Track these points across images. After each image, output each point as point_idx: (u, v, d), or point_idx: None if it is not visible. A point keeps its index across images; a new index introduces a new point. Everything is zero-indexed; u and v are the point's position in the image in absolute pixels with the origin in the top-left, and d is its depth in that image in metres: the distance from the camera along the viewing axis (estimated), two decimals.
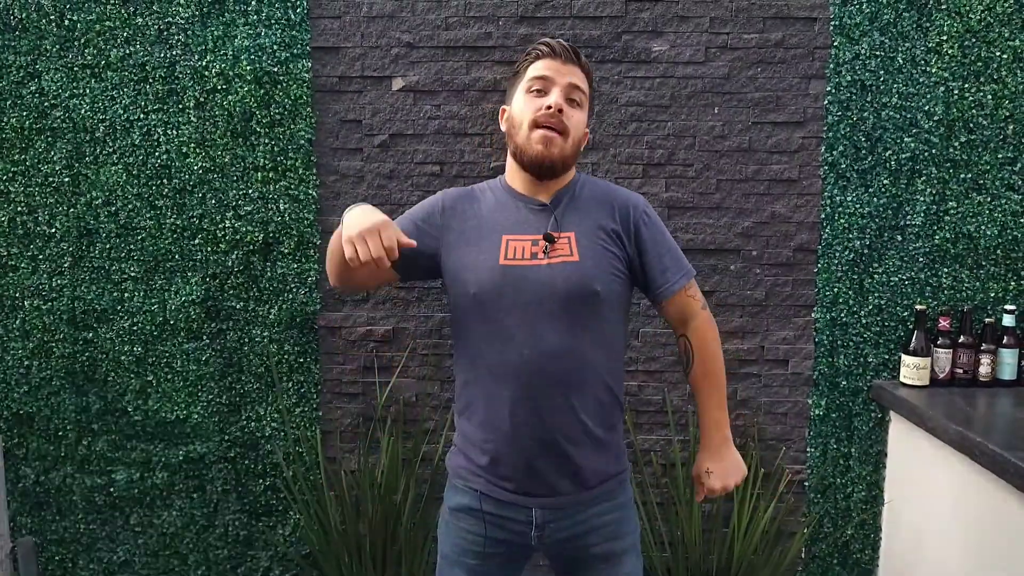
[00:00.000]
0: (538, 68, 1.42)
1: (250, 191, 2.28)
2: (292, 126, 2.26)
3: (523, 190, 1.47)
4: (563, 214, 1.44)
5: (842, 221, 2.25)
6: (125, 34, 2.23)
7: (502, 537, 1.43)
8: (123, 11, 2.22)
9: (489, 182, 1.54)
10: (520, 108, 1.43)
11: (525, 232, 1.41)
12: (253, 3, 2.21)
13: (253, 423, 2.35)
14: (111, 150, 2.26)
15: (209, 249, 2.29)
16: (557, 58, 1.42)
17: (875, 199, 2.24)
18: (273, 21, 2.22)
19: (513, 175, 1.49)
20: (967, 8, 2.16)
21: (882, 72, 2.20)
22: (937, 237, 2.24)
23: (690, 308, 1.51)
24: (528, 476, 1.39)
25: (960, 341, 2.19)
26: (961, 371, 2.19)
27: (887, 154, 2.22)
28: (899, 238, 2.25)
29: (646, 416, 2.35)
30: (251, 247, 2.29)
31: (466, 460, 1.45)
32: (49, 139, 2.26)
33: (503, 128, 1.50)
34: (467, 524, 1.44)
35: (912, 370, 2.19)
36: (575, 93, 1.42)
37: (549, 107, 1.38)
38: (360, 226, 1.23)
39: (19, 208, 2.28)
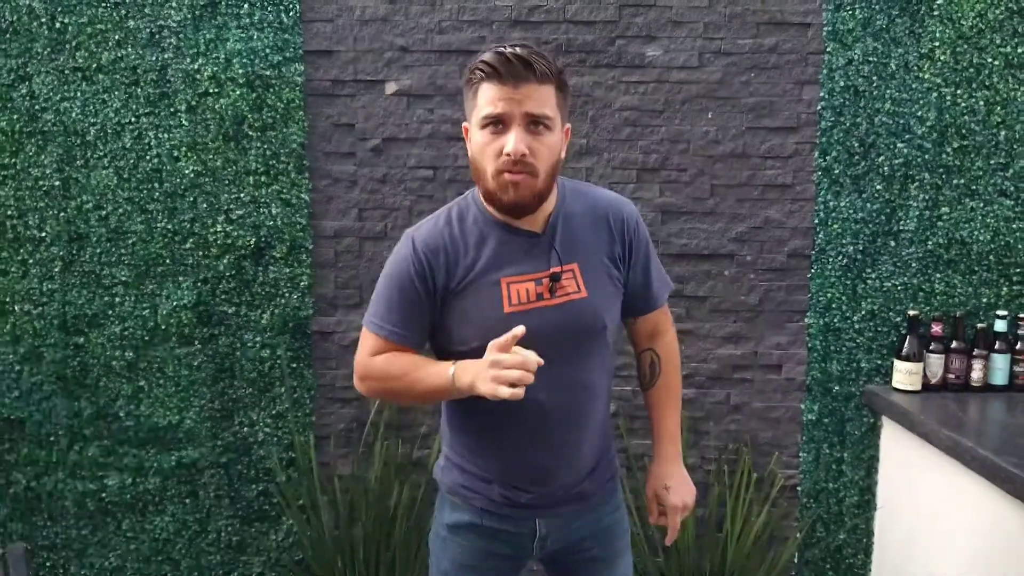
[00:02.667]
0: (489, 98, 1.20)
1: (242, 195, 2.27)
2: (284, 130, 2.25)
3: (509, 220, 1.29)
4: (561, 244, 1.30)
5: (835, 226, 2.26)
6: (116, 37, 2.21)
7: (504, 551, 1.41)
8: (115, 14, 2.20)
9: (461, 204, 1.35)
10: (480, 147, 1.23)
11: (524, 271, 1.28)
12: (245, 6, 2.20)
13: (246, 428, 2.34)
14: (102, 154, 2.25)
15: (201, 254, 2.28)
16: (507, 82, 1.18)
17: (868, 204, 2.24)
18: (265, 24, 2.21)
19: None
20: (959, 15, 2.17)
21: (875, 78, 2.20)
22: (930, 243, 2.24)
23: (664, 324, 1.50)
24: (535, 498, 1.37)
25: (952, 347, 2.20)
26: (953, 376, 2.20)
27: (880, 160, 2.23)
28: (892, 243, 2.25)
29: (639, 421, 2.35)
30: (243, 251, 2.28)
31: (463, 476, 1.40)
32: (40, 142, 2.25)
33: (468, 156, 1.29)
34: (467, 540, 1.41)
35: (904, 375, 2.19)
36: (537, 120, 1.21)
37: (509, 154, 1.19)
38: (488, 372, 1.14)
39: (9, 212, 2.27)
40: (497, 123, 1.21)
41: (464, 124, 1.31)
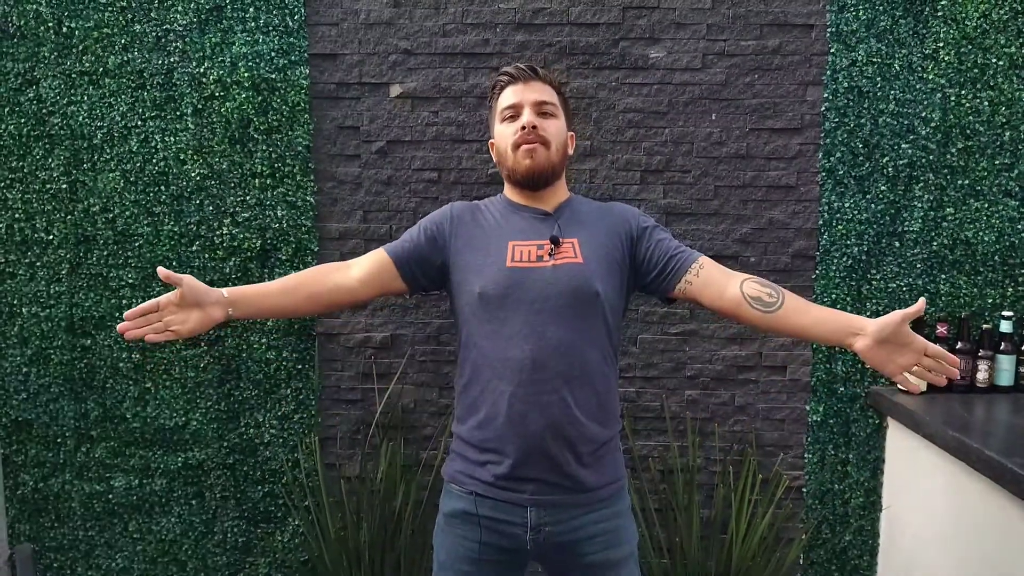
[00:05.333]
0: (506, 97, 1.54)
1: (248, 198, 2.28)
2: (290, 132, 2.26)
3: (525, 202, 1.57)
4: (566, 223, 1.53)
5: (840, 227, 2.26)
6: (123, 41, 2.23)
7: (497, 543, 1.44)
8: (121, 18, 2.22)
9: (491, 199, 1.63)
10: (501, 135, 1.55)
11: (530, 238, 1.49)
12: (251, 10, 2.21)
13: (252, 430, 2.35)
14: (109, 157, 2.26)
15: (207, 256, 2.29)
16: (519, 82, 1.53)
17: (873, 205, 2.24)
18: (271, 28, 2.22)
19: (513, 193, 1.59)
20: (963, 15, 2.17)
21: (879, 79, 2.20)
22: (935, 243, 2.24)
23: (722, 268, 1.47)
24: (523, 470, 1.41)
25: (958, 347, 2.19)
26: (958, 377, 2.19)
27: (884, 160, 2.23)
28: (897, 244, 2.25)
29: (644, 422, 2.35)
30: (249, 254, 2.29)
31: (462, 462, 1.48)
32: (47, 146, 2.26)
33: (495, 160, 1.60)
34: (462, 530, 1.46)
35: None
36: (544, 107, 1.52)
37: (523, 127, 1.49)
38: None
39: (17, 215, 2.28)
40: (514, 114, 1.52)
41: (490, 141, 1.61)
